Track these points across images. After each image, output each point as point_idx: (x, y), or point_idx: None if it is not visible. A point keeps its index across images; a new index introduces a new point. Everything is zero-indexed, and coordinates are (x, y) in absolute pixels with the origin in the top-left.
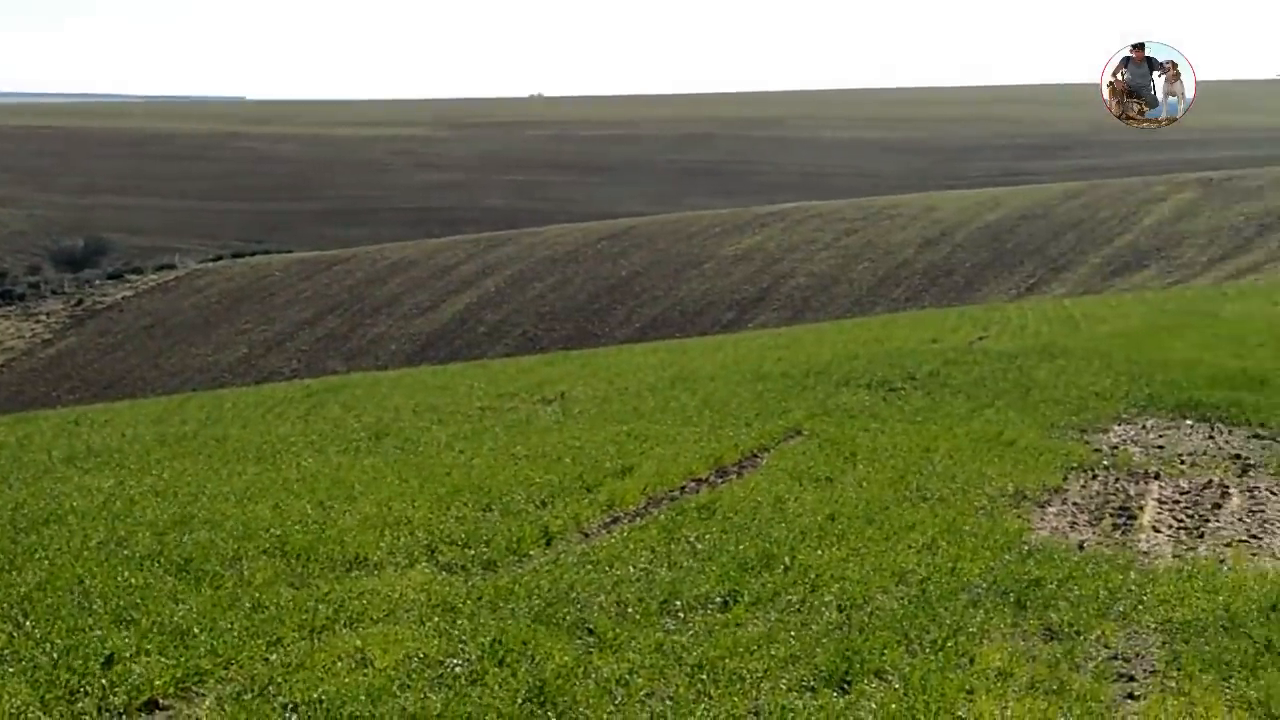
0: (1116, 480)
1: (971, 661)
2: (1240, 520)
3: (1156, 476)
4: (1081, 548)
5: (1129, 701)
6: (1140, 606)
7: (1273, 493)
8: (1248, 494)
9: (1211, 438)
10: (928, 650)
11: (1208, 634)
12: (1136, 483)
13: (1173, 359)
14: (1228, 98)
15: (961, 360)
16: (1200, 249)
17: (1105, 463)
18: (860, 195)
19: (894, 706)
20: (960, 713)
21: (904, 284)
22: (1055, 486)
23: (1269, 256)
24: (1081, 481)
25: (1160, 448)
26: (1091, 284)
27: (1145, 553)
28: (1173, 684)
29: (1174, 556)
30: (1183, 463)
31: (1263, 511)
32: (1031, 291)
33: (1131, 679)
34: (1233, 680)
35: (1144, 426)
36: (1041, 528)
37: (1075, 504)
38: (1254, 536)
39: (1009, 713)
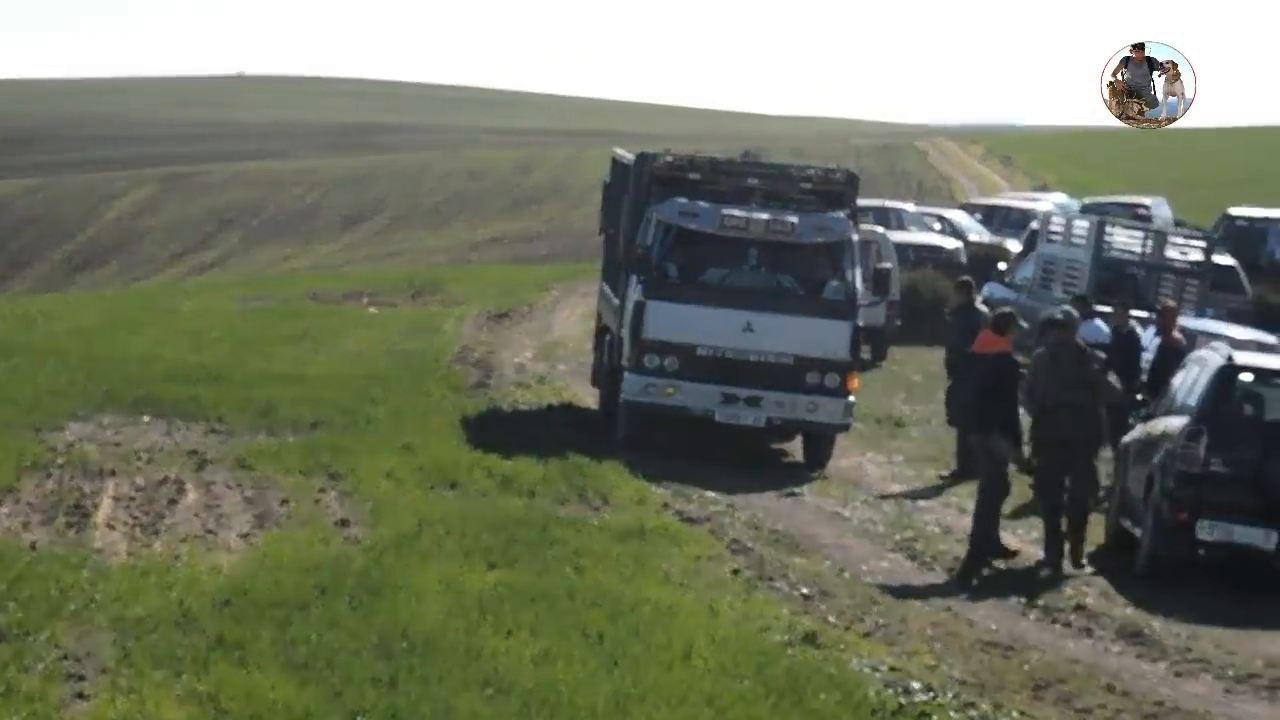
0: (71, 478)
1: None
2: (196, 515)
3: (113, 474)
4: (34, 548)
5: (79, 701)
6: (93, 605)
7: (229, 487)
8: (204, 489)
9: (169, 433)
10: None
11: (160, 630)
12: (92, 480)
13: (131, 355)
14: (188, 92)
15: None
16: (161, 244)
17: (60, 461)
18: None
19: None
20: None
21: None
22: (9, 486)
23: (228, 252)
24: (35, 480)
25: (117, 444)
26: (54, 281)
27: (99, 550)
28: (124, 682)
29: (128, 554)
30: (140, 459)
31: (219, 506)
32: None
33: (82, 678)
34: (184, 676)
35: (101, 424)
36: None
37: (29, 503)
38: (210, 531)
39: None
